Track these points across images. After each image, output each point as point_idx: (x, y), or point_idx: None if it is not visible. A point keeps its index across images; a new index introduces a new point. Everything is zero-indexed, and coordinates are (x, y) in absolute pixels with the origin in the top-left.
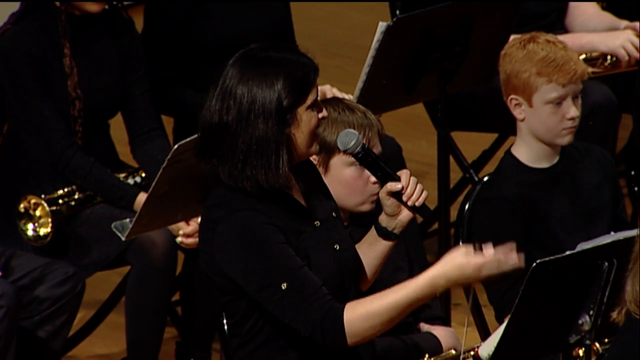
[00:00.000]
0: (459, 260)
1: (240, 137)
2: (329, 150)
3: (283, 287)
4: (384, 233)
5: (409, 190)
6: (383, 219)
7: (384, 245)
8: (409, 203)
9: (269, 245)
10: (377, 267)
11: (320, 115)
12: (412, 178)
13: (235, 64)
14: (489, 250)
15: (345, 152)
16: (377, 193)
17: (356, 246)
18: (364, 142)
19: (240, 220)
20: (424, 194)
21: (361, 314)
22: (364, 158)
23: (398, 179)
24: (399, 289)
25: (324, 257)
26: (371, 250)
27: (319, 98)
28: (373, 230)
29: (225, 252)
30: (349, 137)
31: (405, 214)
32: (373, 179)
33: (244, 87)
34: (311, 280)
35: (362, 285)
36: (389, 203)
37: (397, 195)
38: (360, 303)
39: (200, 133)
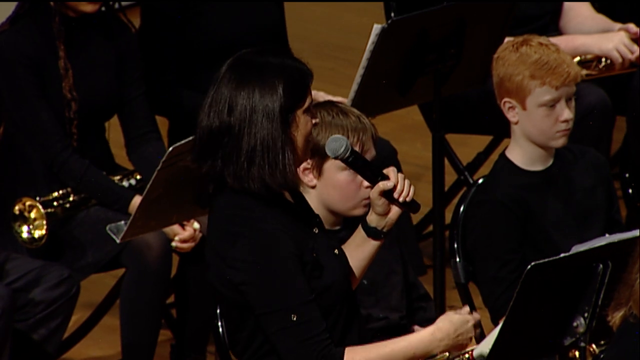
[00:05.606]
0: (455, 317)
1: (245, 138)
2: (322, 155)
3: (293, 319)
4: (373, 233)
5: (399, 187)
6: (373, 219)
7: (372, 245)
8: (400, 199)
9: (287, 273)
10: (365, 268)
11: (313, 121)
12: (399, 174)
13: (232, 69)
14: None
15: (335, 158)
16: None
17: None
18: (357, 146)
19: (263, 238)
20: (412, 188)
21: None
22: (353, 162)
23: (387, 178)
24: (399, 340)
25: (331, 262)
26: (359, 252)
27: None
28: (360, 231)
29: (243, 269)
30: (337, 143)
31: (394, 212)
32: (366, 183)
33: (245, 91)
34: (318, 318)
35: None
36: (380, 203)
37: (388, 193)
38: (359, 350)
39: (198, 137)
